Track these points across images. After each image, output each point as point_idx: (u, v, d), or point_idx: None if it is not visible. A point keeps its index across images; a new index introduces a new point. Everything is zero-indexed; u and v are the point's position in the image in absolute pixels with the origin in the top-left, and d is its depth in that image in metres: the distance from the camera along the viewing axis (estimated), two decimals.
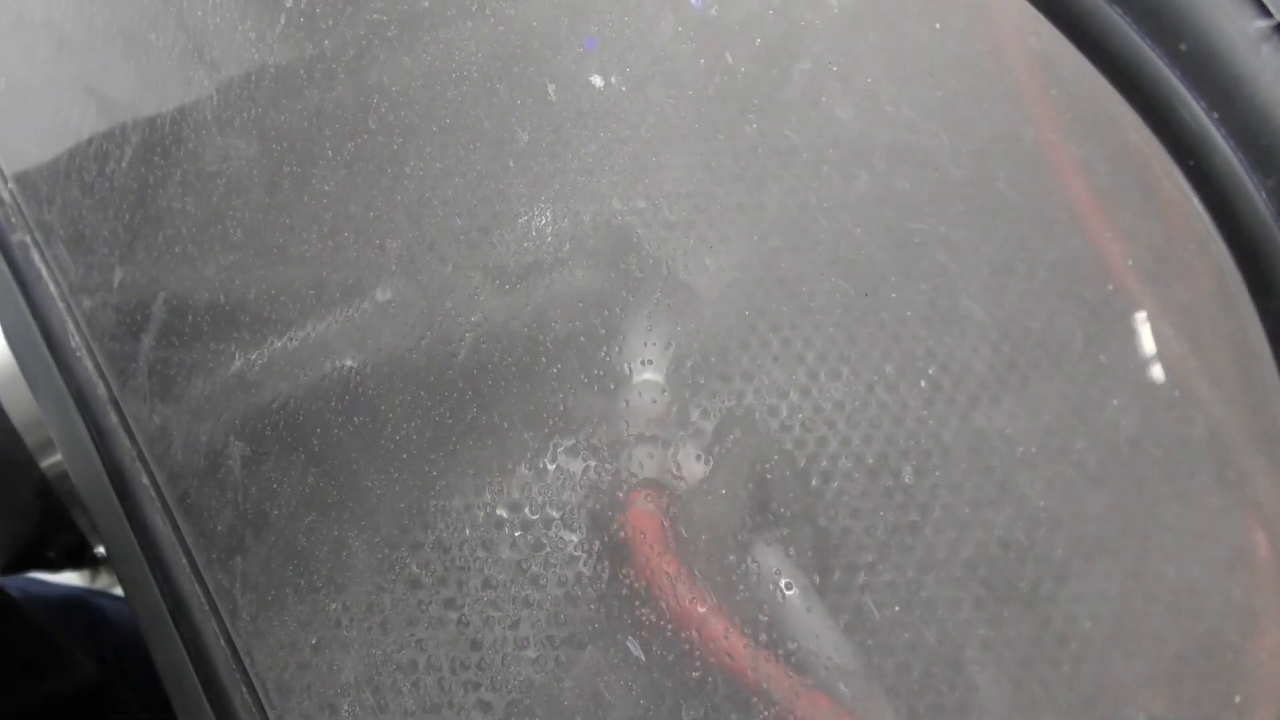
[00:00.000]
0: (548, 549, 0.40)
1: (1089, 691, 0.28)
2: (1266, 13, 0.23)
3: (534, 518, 0.40)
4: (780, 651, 0.33)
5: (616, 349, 0.36)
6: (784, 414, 0.33)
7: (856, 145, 0.31)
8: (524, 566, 0.40)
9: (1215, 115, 0.24)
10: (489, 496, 0.41)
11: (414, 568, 0.44)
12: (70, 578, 1.27)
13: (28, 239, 0.63)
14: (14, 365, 0.65)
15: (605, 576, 0.38)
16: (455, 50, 0.40)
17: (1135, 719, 0.27)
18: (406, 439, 0.44)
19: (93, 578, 1.32)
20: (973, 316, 0.29)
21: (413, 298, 0.43)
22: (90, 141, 0.59)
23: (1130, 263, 0.26)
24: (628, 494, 0.37)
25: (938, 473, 0.30)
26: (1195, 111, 0.24)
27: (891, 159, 0.30)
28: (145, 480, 0.57)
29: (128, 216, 0.56)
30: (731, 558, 0.34)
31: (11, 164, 0.64)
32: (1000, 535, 0.29)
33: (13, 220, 0.63)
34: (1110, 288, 0.26)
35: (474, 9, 0.39)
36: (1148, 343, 0.26)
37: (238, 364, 0.51)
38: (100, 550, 0.86)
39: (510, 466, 0.40)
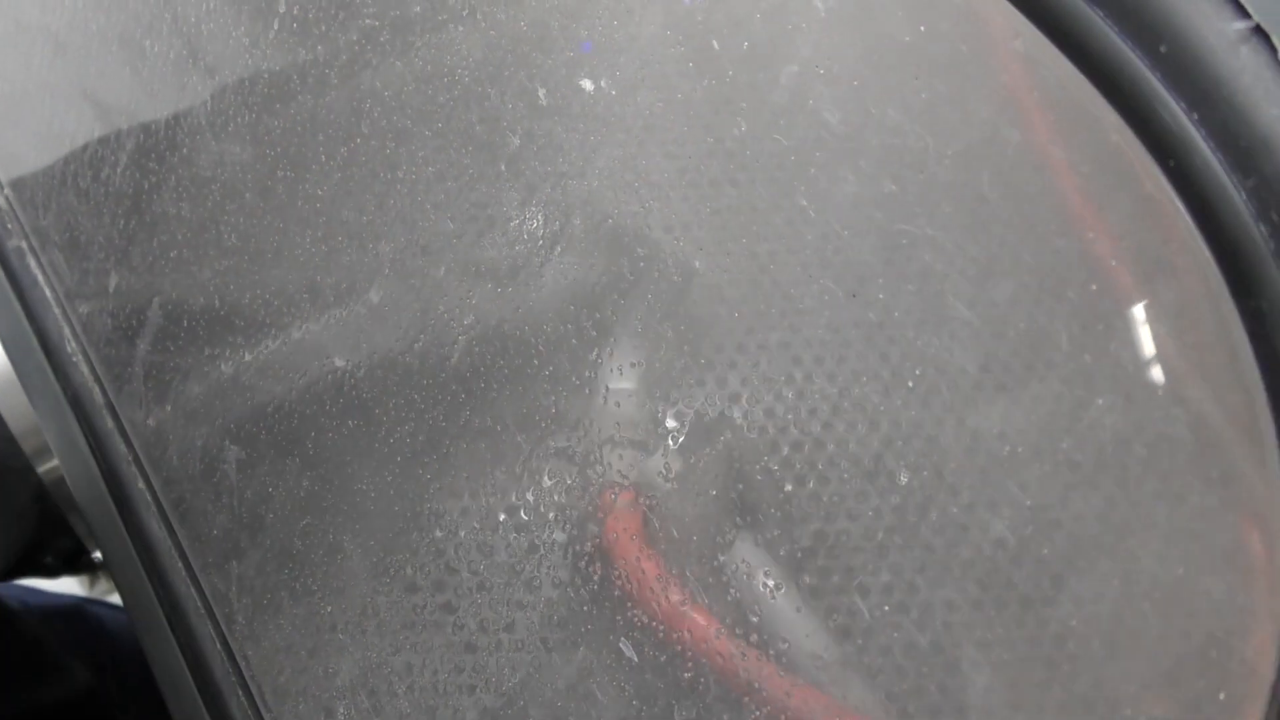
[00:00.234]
0: (541, 551, 0.40)
1: (1085, 693, 0.28)
2: (1245, 15, 0.24)
3: (527, 519, 0.40)
4: (770, 651, 0.33)
5: (608, 351, 0.36)
6: (775, 414, 0.33)
7: (843, 147, 0.31)
8: (518, 569, 0.41)
9: (1195, 116, 0.24)
10: (483, 499, 0.41)
11: (409, 571, 0.44)
12: (67, 584, 1.27)
13: (23, 244, 0.63)
14: (10, 371, 0.65)
15: (598, 578, 0.38)
16: (447, 55, 0.40)
17: None
18: (400, 442, 0.44)
19: (90, 584, 1.32)
20: (959, 316, 0.29)
21: (406, 301, 0.43)
22: (85, 147, 0.59)
23: (1114, 263, 0.26)
24: (619, 494, 0.37)
25: (926, 472, 0.30)
26: (1175, 112, 0.24)
27: (878, 161, 0.30)
28: (141, 485, 0.57)
29: (123, 222, 0.56)
30: (721, 558, 0.34)
31: (7, 170, 0.64)
32: (990, 534, 0.29)
33: (8, 226, 0.64)
34: (1095, 288, 0.27)
35: (465, 14, 0.39)
36: (1132, 342, 0.26)
37: (232, 368, 0.51)
38: (97, 555, 0.86)
39: (504, 469, 0.40)
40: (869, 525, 0.31)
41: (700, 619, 0.35)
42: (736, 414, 0.34)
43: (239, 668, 0.52)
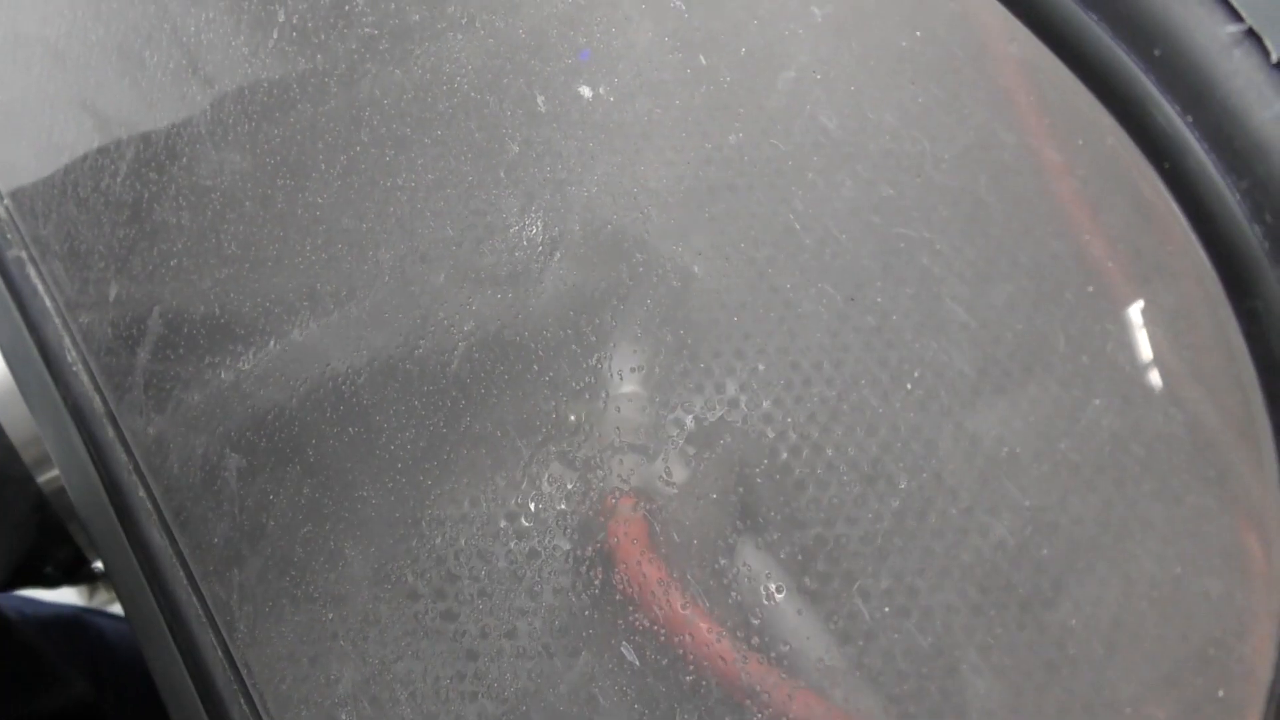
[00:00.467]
0: (542, 556, 0.40)
1: (1085, 694, 0.28)
2: (1238, 18, 0.24)
3: (528, 525, 0.40)
4: (772, 654, 0.33)
5: (607, 356, 0.36)
6: (774, 418, 0.33)
7: (841, 152, 0.31)
8: (519, 575, 0.41)
9: (1189, 119, 0.24)
10: (484, 505, 0.42)
11: (410, 578, 0.44)
12: (68, 594, 1.27)
13: (23, 254, 0.64)
14: (10, 381, 0.66)
15: (599, 583, 0.38)
16: (446, 63, 0.41)
17: None
18: (401, 449, 0.44)
19: (91, 594, 1.32)
20: (957, 319, 0.29)
21: (406, 308, 0.43)
22: (85, 157, 0.59)
23: (1110, 265, 0.26)
24: (620, 500, 0.37)
25: (924, 475, 0.30)
26: (1170, 115, 0.25)
27: (875, 165, 0.30)
28: (142, 493, 0.57)
29: (123, 231, 0.56)
30: (722, 562, 0.34)
31: (7, 180, 0.64)
32: (989, 537, 0.29)
33: (8, 236, 0.64)
34: (1091, 289, 0.27)
35: (464, 22, 0.40)
36: (1129, 344, 0.27)
37: (233, 376, 0.51)
38: (98, 565, 0.86)
39: (504, 475, 0.41)
40: (869, 529, 0.31)
41: (702, 623, 0.35)
42: (736, 418, 0.34)
43: (241, 676, 0.52)
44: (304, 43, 0.45)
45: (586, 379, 0.37)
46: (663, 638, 0.36)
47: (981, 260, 0.29)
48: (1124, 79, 0.25)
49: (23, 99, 0.66)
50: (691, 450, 0.35)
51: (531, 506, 0.40)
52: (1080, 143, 0.27)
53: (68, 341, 0.61)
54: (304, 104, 0.45)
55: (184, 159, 0.52)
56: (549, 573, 0.40)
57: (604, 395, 0.37)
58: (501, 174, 0.39)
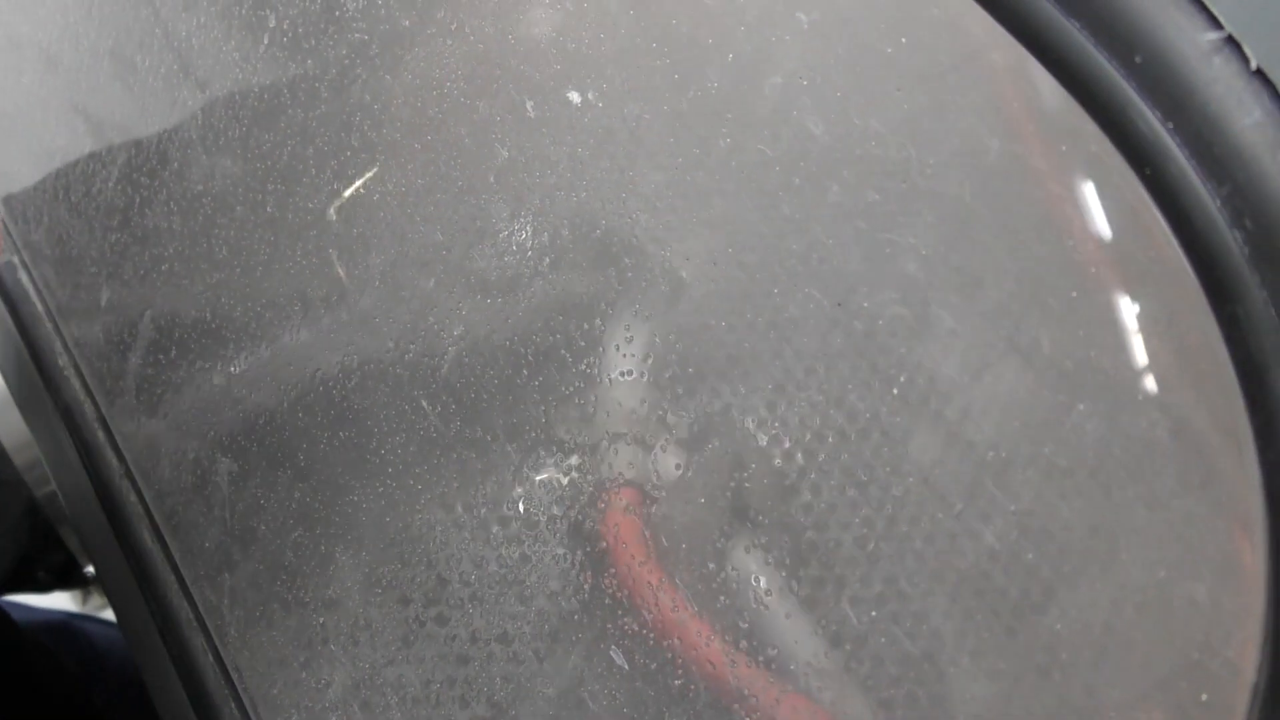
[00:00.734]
0: (533, 561, 0.40)
1: (1073, 698, 0.28)
2: (1218, 25, 0.24)
3: (518, 529, 0.40)
4: (761, 658, 0.33)
5: (596, 360, 0.37)
6: (765, 423, 0.33)
7: (827, 158, 0.31)
8: (510, 579, 0.41)
9: (1170, 125, 0.24)
10: (474, 510, 0.42)
11: (401, 582, 0.44)
12: (59, 599, 1.27)
13: (15, 259, 0.64)
14: (2, 386, 0.66)
15: (588, 586, 0.38)
16: (436, 68, 0.41)
17: None
18: (391, 453, 0.44)
19: (83, 598, 1.32)
20: (943, 324, 0.29)
21: (396, 312, 0.43)
22: (77, 162, 0.59)
23: (1094, 270, 0.27)
24: (609, 504, 0.37)
25: (912, 479, 0.30)
26: (1151, 122, 0.25)
27: (862, 171, 0.30)
28: (133, 498, 0.57)
29: (114, 236, 0.56)
30: (711, 565, 0.34)
31: None
32: (978, 541, 0.29)
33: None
34: (1074, 295, 0.27)
35: (453, 28, 0.40)
36: (1112, 348, 0.27)
37: (224, 381, 0.51)
38: (89, 570, 0.86)
39: (494, 478, 0.41)
40: (859, 533, 0.31)
41: (691, 626, 0.35)
42: (726, 423, 0.34)
43: (231, 680, 0.52)
44: (295, 48, 0.46)
45: (576, 383, 0.37)
46: (652, 641, 0.36)
47: (967, 265, 0.29)
48: (1106, 86, 0.25)
49: (15, 103, 0.66)
50: (681, 455, 0.35)
51: (522, 510, 0.40)
52: (1064, 149, 0.27)
53: (59, 346, 0.61)
54: (295, 109, 0.46)
55: (175, 164, 0.52)
56: (539, 577, 0.40)
57: (593, 399, 0.37)
58: (491, 179, 0.39)
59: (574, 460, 0.38)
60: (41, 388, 0.62)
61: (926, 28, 0.29)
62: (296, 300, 0.47)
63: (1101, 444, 0.27)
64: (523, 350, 0.39)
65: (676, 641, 0.35)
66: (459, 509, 0.42)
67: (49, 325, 0.62)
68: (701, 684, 0.35)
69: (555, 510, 0.39)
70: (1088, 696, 0.28)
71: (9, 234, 0.64)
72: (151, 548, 0.55)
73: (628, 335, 0.36)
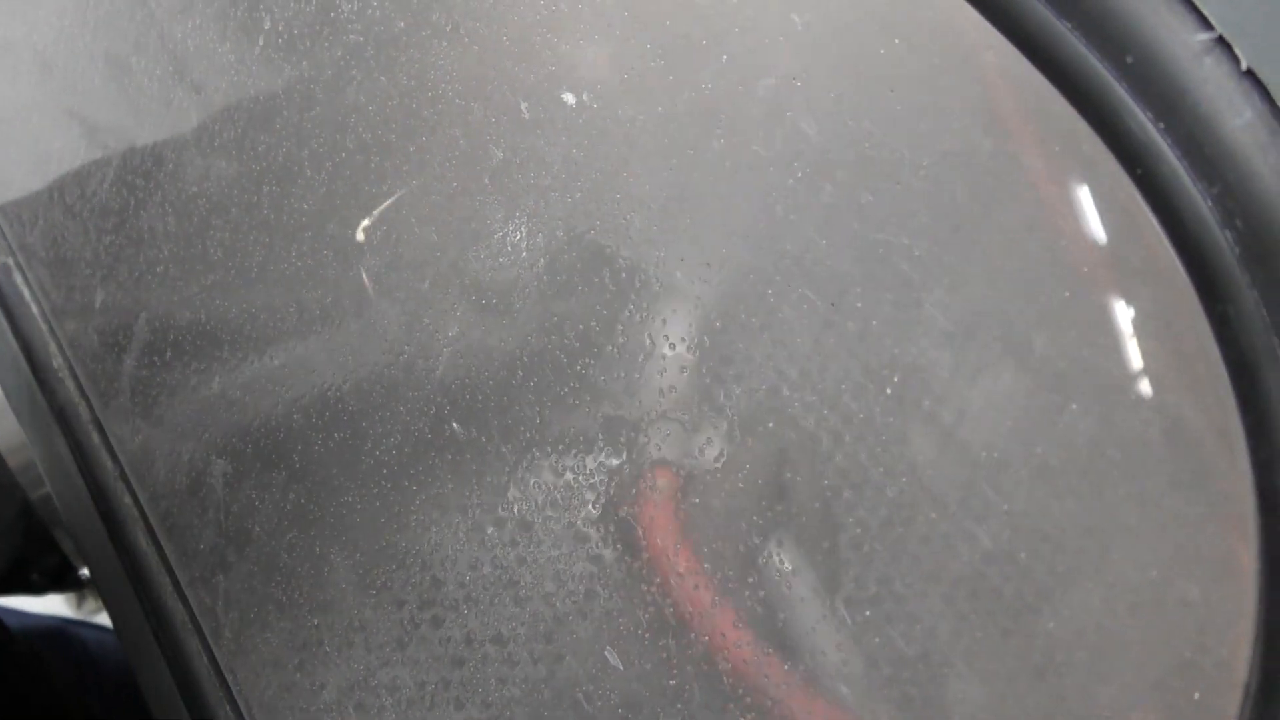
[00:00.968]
0: (527, 562, 0.40)
1: (1066, 697, 0.28)
2: (1208, 26, 0.24)
3: (513, 531, 0.40)
4: (753, 659, 0.34)
5: (590, 362, 0.37)
6: (760, 425, 0.33)
7: (821, 159, 0.31)
8: (504, 580, 0.41)
9: (1161, 125, 0.25)
10: (469, 511, 0.42)
11: (395, 584, 0.44)
12: (54, 603, 1.27)
13: (10, 261, 0.64)
14: None
15: (583, 589, 0.38)
16: (431, 70, 0.41)
17: None
18: (386, 454, 0.44)
19: (78, 602, 1.32)
20: (937, 324, 0.29)
21: (391, 314, 0.43)
22: (72, 164, 0.59)
23: (1086, 270, 0.27)
24: (603, 505, 0.37)
25: (904, 479, 0.30)
26: (1143, 122, 0.25)
27: (855, 171, 0.31)
28: (128, 500, 0.57)
29: (109, 238, 0.56)
30: (706, 566, 0.34)
31: None
32: (973, 541, 0.29)
33: None
34: (1067, 294, 0.27)
35: (448, 29, 0.40)
36: (1104, 348, 0.27)
37: (219, 382, 0.51)
38: (84, 573, 0.86)
39: (489, 480, 0.41)
40: (854, 534, 0.31)
41: (685, 627, 0.35)
42: (722, 425, 0.34)
43: (226, 682, 0.52)
44: (290, 50, 0.46)
45: (570, 385, 0.38)
46: (646, 642, 0.36)
47: (960, 265, 0.29)
48: (1098, 86, 0.26)
49: (10, 106, 0.66)
50: (676, 459, 0.35)
51: (516, 512, 0.40)
52: (1056, 149, 0.27)
53: (54, 348, 0.61)
54: (290, 110, 0.46)
55: (170, 166, 0.52)
56: (533, 578, 0.40)
57: (587, 401, 0.37)
58: (486, 181, 0.39)
59: (569, 463, 0.38)
60: (36, 390, 0.62)
61: (919, 29, 0.30)
62: (291, 302, 0.47)
63: (1094, 444, 0.27)
64: (517, 352, 0.39)
65: (671, 642, 0.35)
66: (454, 511, 0.42)
67: (44, 327, 0.62)
68: (695, 685, 0.35)
69: (549, 512, 0.39)
70: (1082, 696, 0.28)
71: (4, 236, 0.64)
72: (146, 550, 0.55)
73: (622, 336, 0.36)
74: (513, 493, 0.40)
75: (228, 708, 0.52)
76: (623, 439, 0.36)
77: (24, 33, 0.64)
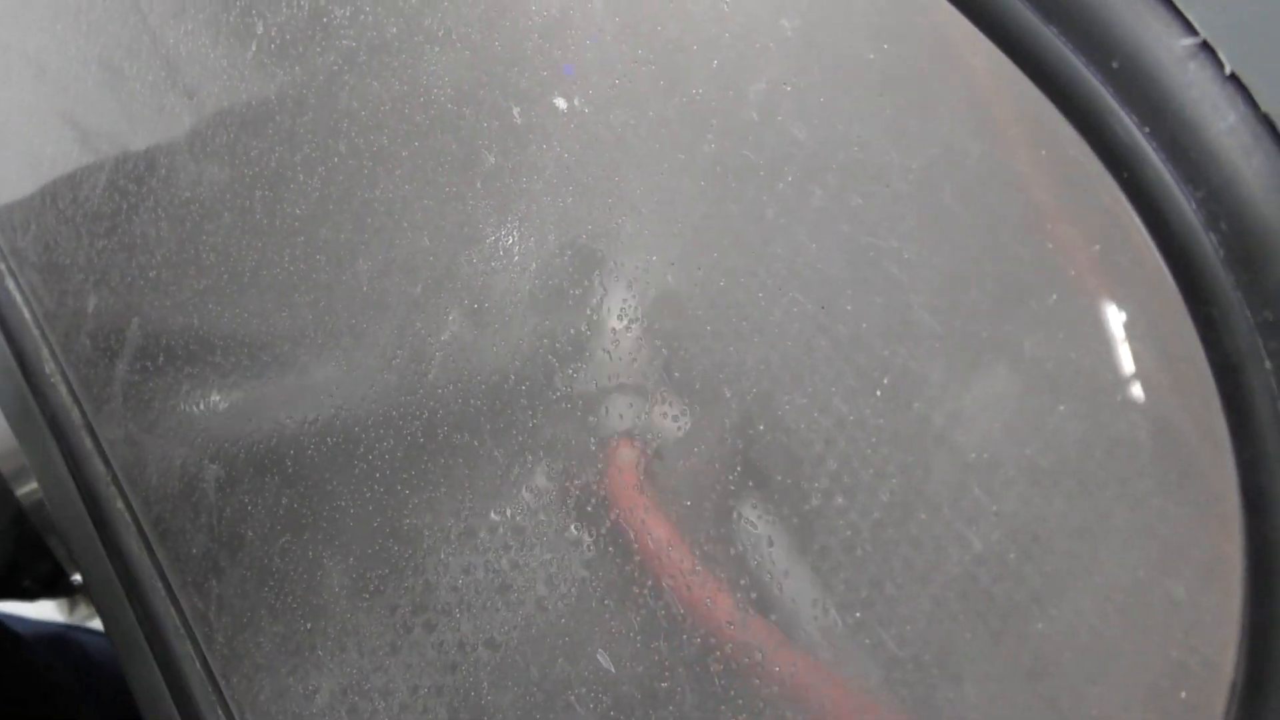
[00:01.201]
0: (521, 565, 0.40)
1: (1053, 697, 0.28)
2: (1193, 31, 0.24)
3: (506, 535, 0.40)
4: (745, 661, 0.34)
5: (582, 365, 0.37)
6: (751, 427, 0.33)
7: (811, 163, 0.31)
8: (497, 584, 0.41)
9: (1146, 129, 0.25)
10: (462, 515, 0.42)
11: (388, 588, 0.44)
12: (48, 609, 1.26)
13: (2, 266, 0.64)
14: None
15: (575, 592, 0.38)
16: (423, 75, 0.41)
17: None
18: (379, 458, 0.44)
19: (71, 608, 1.31)
20: (925, 326, 0.29)
21: (383, 318, 0.43)
22: (64, 169, 0.59)
23: (1073, 273, 0.27)
24: (596, 509, 0.37)
25: (895, 480, 0.30)
26: (1128, 126, 0.25)
27: (845, 175, 0.31)
28: (120, 505, 0.57)
29: (101, 242, 0.56)
30: (698, 568, 0.34)
31: None
32: (962, 543, 0.29)
33: None
34: (1055, 297, 0.27)
35: (440, 35, 0.40)
36: (1091, 350, 0.27)
37: (212, 387, 0.51)
38: (76, 579, 0.86)
39: (481, 484, 0.41)
40: (846, 537, 0.32)
41: (677, 628, 0.35)
42: (714, 429, 0.34)
43: (219, 687, 0.52)
44: (282, 55, 0.46)
45: (563, 388, 0.38)
46: (639, 645, 0.36)
47: (948, 269, 0.29)
48: (1084, 91, 0.26)
49: (2, 110, 0.66)
50: (669, 462, 0.35)
51: (509, 516, 0.40)
52: (1043, 153, 0.27)
53: (46, 353, 0.61)
54: (282, 116, 0.46)
55: (163, 171, 0.52)
56: (527, 582, 0.40)
57: (580, 405, 0.37)
58: (478, 185, 0.39)
59: (561, 466, 0.38)
60: (28, 395, 0.62)
61: (908, 34, 0.30)
62: (284, 306, 0.47)
63: (1082, 445, 0.28)
64: (509, 356, 0.39)
65: (663, 644, 0.35)
66: (446, 515, 0.42)
67: (36, 332, 0.61)
68: (687, 686, 0.35)
69: (542, 516, 0.39)
70: (1073, 698, 0.28)
71: None
72: (138, 555, 0.55)
73: (614, 340, 0.36)
74: (505, 497, 0.40)
75: (220, 712, 0.52)
76: (615, 443, 0.37)
77: (17, 37, 0.64)
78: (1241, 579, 0.25)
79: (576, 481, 0.38)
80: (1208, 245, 0.24)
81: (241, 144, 0.48)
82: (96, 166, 0.57)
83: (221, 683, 0.51)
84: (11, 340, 0.63)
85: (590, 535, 0.37)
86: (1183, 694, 0.26)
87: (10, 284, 0.63)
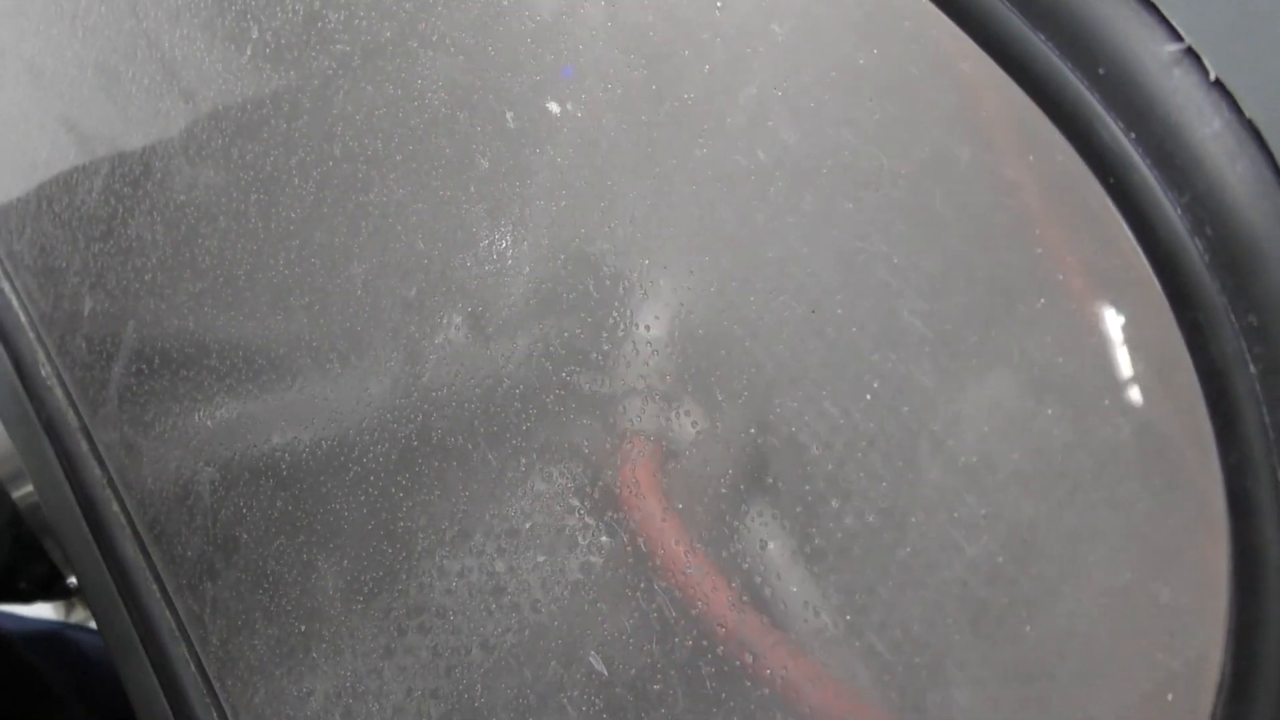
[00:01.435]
0: (514, 568, 0.40)
1: (1041, 699, 0.29)
2: (1178, 37, 0.25)
3: (500, 538, 0.40)
4: (738, 664, 0.34)
5: (575, 369, 0.37)
6: (741, 431, 0.34)
7: (801, 167, 0.32)
8: (491, 587, 0.41)
9: (1132, 135, 0.25)
10: (456, 518, 0.42)
11: (383, 591, 0.45)
12: (45, 611, 1.26)
13: None
14: None
15: (568, 595, 0.38)
16: (417, 79, 0.41)
17: None
18: (374, 461, 0.44)
19: (67, 611, 1.31)
20: (914, 330, 0.30)
21: (378, 321, 0.43)
22: (61, 172, 0.60)
23: (1060, 278, 0.27)
24: (588, 511, 0.37)
25: (884, 483, 0.31)
26: (1115, 132, 0.25)
27: (835, 180, 0.31)
28: (116, 507, 0.57)
29: (97, 246, 0.57)
30: (689, 572, 0.34)
31: None
32: (950, 546, 0.29)
33: None
34: (1043, 302, 0.27)
35: (434, 39, 0.40)
36: (1078, 354, 0.27)
37: (207, 390, 0.52)
38: (72, 581, 0.86)
39: (475, 487, 0.41)
40: (840, 542, 0.32)
41: (669, 631, 0.35)
42: (703, 433, 0.34)
43: (214, 689, 0.52)
44: (277, 59, 0.46)
45: (555, 391, 0.38)
46: (631, 647, 0.36)
47: (937, 274, 0.29)
48: (1071, 97, 0.26)
49: (0, 114, 0.66)
50: (660, 464, 0.35)
51: (503, 518, 0.40)
52: (1030, 158, 0.27)
53: (42, 356, 0.61)
54: (277, 119, 0.46)
55: (158, 174, 0.52)
56: (520, 584, 0.40)
57: (573, 408, 0.37)
58: (472, 189, 0.40)
59: (553, 469, 0.38)
60: (24, 398, 0.62)
61: (898, 39, 0.30)
62: (279, 310, 0.47)
63: (1070, 449, 0.28)
64: (502, 359, 0.39)
65: (654, 646, 0.36)
66: (441, 518, 0.42)
67: (31, 335, 0.62)
68: (680, 689, 0.35)
69: (535, 519, 0.39)
70: (1063, 701, 0.28)
71: None
72: (134, 557, 0.55)
73: (606, 344, 0.36)
74: (499, 500, 0.40)
75: (215, 715, 0.52)
76: (607, 445, 0.37)
77: (13, 41, 0.64)
78: (1227, 581, 0.26)
79: (569, 485, 0.38)
80: (1193, 250, 0.24)
81: (237, 148, 0.48)
82: (92, 170, 0.57)
83: (216, 685, 0.52)
84: (7, 343, 0.63)
85: (583, 538, 0.38)
86: (1170, 695, 0.26)
87: (6, 287, 0.63)
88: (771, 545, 0.33)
